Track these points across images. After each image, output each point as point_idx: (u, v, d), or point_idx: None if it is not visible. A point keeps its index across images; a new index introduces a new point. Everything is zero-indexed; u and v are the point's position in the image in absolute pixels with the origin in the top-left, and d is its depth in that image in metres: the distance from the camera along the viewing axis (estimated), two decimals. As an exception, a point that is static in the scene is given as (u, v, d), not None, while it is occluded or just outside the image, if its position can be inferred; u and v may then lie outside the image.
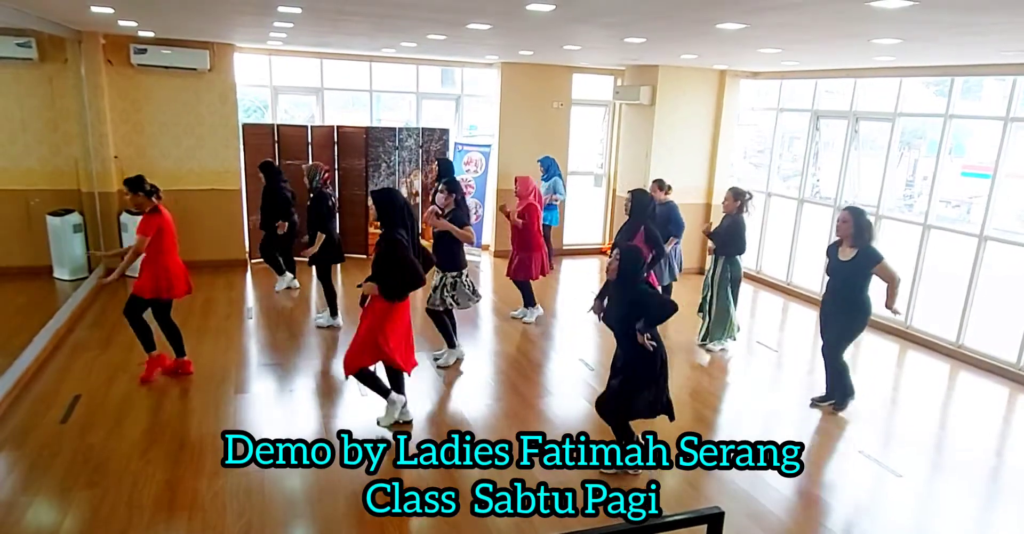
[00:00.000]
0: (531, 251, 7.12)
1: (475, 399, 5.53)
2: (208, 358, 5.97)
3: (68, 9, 5.72)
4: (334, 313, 6.90)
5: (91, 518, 3.73)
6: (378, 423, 4.86)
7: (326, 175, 6.79)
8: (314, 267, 6.90)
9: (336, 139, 9.51)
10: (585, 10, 4.46)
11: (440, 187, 5.93)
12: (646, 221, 6.23)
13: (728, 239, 6.37)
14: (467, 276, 5.94)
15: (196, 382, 5.50)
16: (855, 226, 5.05)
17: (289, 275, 8.14)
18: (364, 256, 9.80)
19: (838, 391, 5.46)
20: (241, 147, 8.90)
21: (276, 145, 9.12)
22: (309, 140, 9.30)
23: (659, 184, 7.21)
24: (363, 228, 9.83)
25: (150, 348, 5.46)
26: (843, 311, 5.23)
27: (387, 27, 6.00)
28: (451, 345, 6.07)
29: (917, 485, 4.56)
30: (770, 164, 9.66)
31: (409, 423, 4.94)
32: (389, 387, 4.87)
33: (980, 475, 4.71)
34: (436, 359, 6.06)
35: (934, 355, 6.97)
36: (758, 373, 6.42)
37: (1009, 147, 6.49)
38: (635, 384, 4.26)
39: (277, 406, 5.22)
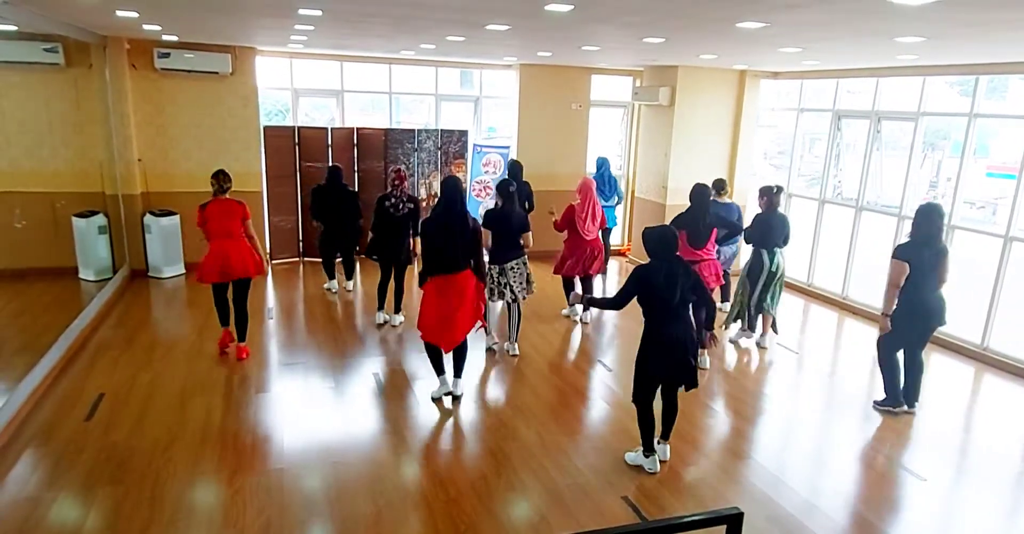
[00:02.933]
0: (563, 249, 7.34)
1: (495, 400, 5.54)
2: (229, 357, 6.03)
3: (94, 14, 5.82)
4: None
5: (114, 514, 3.78)
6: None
7: (393, 176, 6.85)
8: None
9: (356, 141, 9.57)
10: (603, 10, 4.45)
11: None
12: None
13: (751, 232, 6.54)
14: (501, 273, 6.19)
15: (217, 381, 5.57)
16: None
17: (335, 282, 8.24)
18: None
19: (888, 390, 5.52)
20: (262, 149, 8.99)
21: (297, 147, 9.21)
22: (329, 142, 9.37)
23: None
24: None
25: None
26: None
27: (406, 28, 6.03)
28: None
29: (941, 489, 4.49)
30: (790, 165, 9.58)
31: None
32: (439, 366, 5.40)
33: (1006, 480, 4.63)
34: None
35: (959, 358, 6.87)
36: (778, 376, 6.36)
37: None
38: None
39: (298, 405, 5.25)
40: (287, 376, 5.77)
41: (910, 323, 5.29)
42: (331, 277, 8.23)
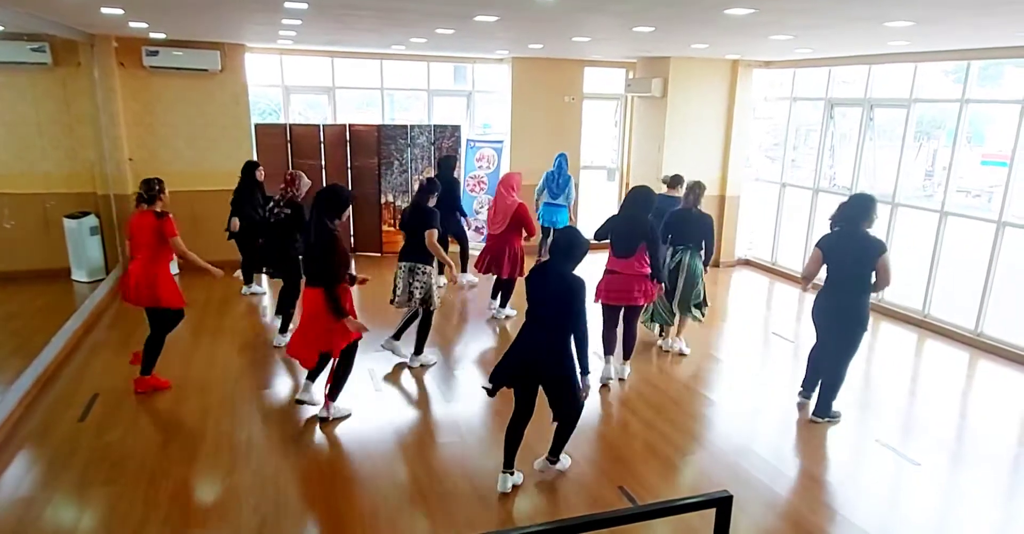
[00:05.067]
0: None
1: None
2: (225, 356, 6.01)
3: (79, 11, 5.78)
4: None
5: (109, 514, 3.77)
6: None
7: (288, 178, 6.18)
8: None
9: (348, 138, 9.54)
10: (591, -1, 4.43)
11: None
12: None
13: (664, 230, 6.06)
14: (409, 273, 5.64)
15: (213, 380, 5.53)
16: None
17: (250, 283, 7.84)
18: (378, 254, 9.85)
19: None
20: (254, 147, 8.95)
21: (289, 145, 9.17)
22: (321, 139, 9.34)
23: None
24: (377, 227, 9.86)
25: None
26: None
27: (395, 22, 6.00)
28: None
29: (935, 474, 4.49)
30: (784, 154, 9.57)
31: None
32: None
33: (1000, 464, 4.63)
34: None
35: (953, 343, 6.87)
36: (774, 364, 6.35)
37: (1028, 131, 6.37)
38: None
39: (294, 403, 5.22)
40: (284, 373, 5.75)
41: (815, 320, 5.07)
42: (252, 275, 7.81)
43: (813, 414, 5.06)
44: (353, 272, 4.79)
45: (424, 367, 5.89)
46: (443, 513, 3.88)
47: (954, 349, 6.76)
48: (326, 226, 4.43)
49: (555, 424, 4.09)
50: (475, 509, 3.91)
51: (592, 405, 5.36)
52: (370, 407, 5.16)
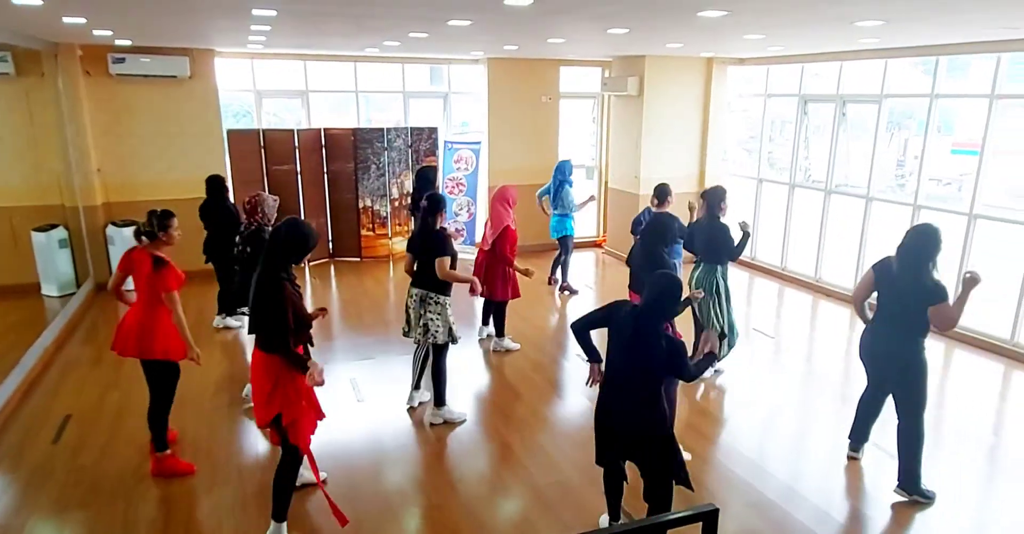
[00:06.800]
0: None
1: (473, 402, 5.49)
2: (201, 369, 5.88)
3: (40, 21, 5.63)
4: None
5: (85, 538, 3.68)
6: None
7: (248, 207, 5.16)
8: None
9: (323, 142, 9.44)
10: (564, 2, 4.40)
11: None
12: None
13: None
14: (421, 301, 4.91)
15: (189, 396, 5.41)
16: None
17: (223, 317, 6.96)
18: (357, 259, 9.76)
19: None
20: (227, 154, 8.81)
21: (263, 151, 9.03)
22: (296, 144, 9.21)
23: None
24: (355, 232, 9.77)
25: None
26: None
27: (367, 26, 5.93)
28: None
29: (919, 469, 4.52)
30: (760, 150, 9.63)
31: None
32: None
33: (977, 453, 4.69)
34: None
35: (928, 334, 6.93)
36: (757, 361, 6.37)
37: (995, 124, 6.46)
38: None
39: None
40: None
41: (863, 361, 4.42)
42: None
43: (898, 487, 4.16)
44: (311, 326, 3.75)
45: (450, 424, 5.03)
46: (427, 524, 3.84)
47: (928, 340, 6.80)
48: (275, 277, 3.41)
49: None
50: (459, 519, 3.87)
51: (581, 410, 5.35)
52: (352, 418, 5.10)
